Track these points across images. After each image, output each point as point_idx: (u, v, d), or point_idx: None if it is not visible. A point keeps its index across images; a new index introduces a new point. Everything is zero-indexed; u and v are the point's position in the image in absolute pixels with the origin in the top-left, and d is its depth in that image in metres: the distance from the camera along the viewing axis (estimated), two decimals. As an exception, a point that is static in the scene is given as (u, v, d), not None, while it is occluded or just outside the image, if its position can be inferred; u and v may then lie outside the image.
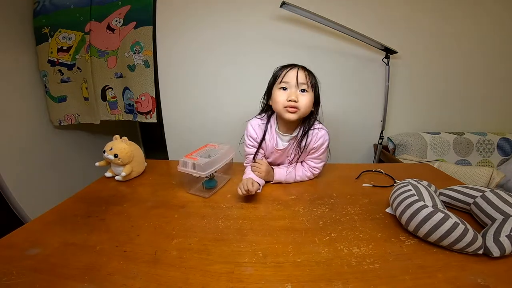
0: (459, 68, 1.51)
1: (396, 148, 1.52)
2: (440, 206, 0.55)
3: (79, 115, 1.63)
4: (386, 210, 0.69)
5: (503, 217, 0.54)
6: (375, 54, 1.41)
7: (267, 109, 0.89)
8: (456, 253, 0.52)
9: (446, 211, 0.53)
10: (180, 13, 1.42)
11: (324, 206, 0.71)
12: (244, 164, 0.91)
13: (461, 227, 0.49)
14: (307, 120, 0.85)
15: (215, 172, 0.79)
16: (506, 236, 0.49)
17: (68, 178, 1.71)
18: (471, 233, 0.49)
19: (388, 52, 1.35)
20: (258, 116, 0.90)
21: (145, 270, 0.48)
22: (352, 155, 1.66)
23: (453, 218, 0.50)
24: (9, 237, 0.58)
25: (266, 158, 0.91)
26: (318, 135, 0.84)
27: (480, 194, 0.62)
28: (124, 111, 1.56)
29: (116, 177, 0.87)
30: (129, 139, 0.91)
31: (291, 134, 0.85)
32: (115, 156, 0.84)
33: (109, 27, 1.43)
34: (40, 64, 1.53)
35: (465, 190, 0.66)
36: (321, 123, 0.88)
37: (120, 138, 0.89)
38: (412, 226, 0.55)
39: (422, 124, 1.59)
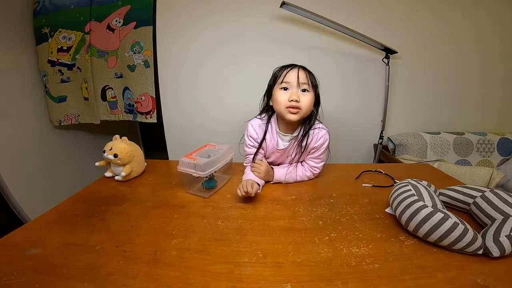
0: (459, 68, 1.51)
1: (396, 148, 1.52)
2: (439, 206, 0.55)
3: (79, 115, 1.63)
4: (386, 210, 0.69)
5: (503, 217, 0.54)
6: (375, 54, 1.41)
7: (267, 110, 0.89)
8: (455, 253, 0.52)
9: (445, 211, 0.53)
10: (180, 13, 1.42)
11: (324, 206, 0.71)
12: (244, 164, 0.91)
13: (460, 227, 0.49)
14: (308, 120, 0.85)
15: (215, 172, 0.79)
16: (506, 236, 0.49)
17: (68, 178, 1.71)
18: (470, 233, 0.49)
19: (388, 52, 1.35)
20: (259, 116, 0.90)
21: (145, 270, 0.48)
22: (352, 155, 1.66)
23: (453, 218, 0.50)
24: (9, 237, 0.58)
25: (267, 158, 0.91)
26: (319, 134, 0.84)
27: (480, 194, 0.62)
28: (124, 111, 1.56)
29: (116, 177, 0.87)
30: (129, 139, 0.91)
31: (292, 134, 0.85)
32: (115, 156, 0.84)
33: (109, 27, 1.43)
34: (40, 64, 1.53)
35: (465, 190, 0.66)
36: (321, 122, 0.88)
37: (120, 138, 0.89)
38: (411, 226, 0.55)
39: (422, 124, 1.59)
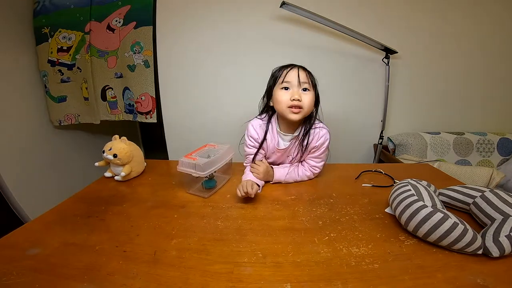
0: (459, 68, 1.51)
1: (396, 148, 1.52)
2: (439, 206, 0.55)
3: (79, 115, 1.63)
4: (386, 210, 0.69)
5: (503, 217, 0.54)
6: (375, 54, 1.41)
7: (267, 110, 0.89)
8: (455, 253, 0.52)
9: (445, 211, 0.53)
10: (180, 13, 1.42)
11: (324, 206, 0.71)
12: (244, 164, 0.91)
13: (460, 227, 0.49)
14: (308, 120, 0.85)
15: (215, 172, 0.79)
16: (505, 236, 0.49)
17: (68, 178, 1.71)
18: (470, 233, 0.49)
19: (388, 52, 1.35)
20: (259, 117, 0.90)
21: (145, 270, 0.48)
22: (352, 155, 1.66)
23: (453, 218, 0.50)
24: (9, 237, 0.58)
25: (267, 158, 0.91)
26: (320, 134, 0.84)
27: (480, 194, 0.62)
28: (124, 111, 1.56)
29: (116, 177, 0.87)
30: (129, 139, 0.91)
31: (293, 133, 0.85)
32: (114, 156, 0.84)
33: (109, 27, 1.43)
34: (40, 64, 1.53)
35: (465, 190, 0.66)
36: (321, 122, 0.88)
37: (119, 138, 0.89)
38: (411, 226, 0.55)
39: (422, 124, 1.59)
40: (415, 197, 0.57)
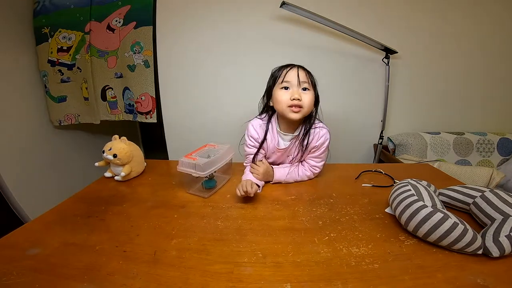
0: (459, 68, 1.51)
1: (396, 148, 1.52)
2: (439, 206, 0.55)
3: (79, 115, 1.63)
4: (386, 210, 0.69)
5: (503, 217, 0.54)
6: (375, 54, 1.41)
7: (267, 110, 0.89)
8: (455, 253, 0.52)
9: (445, 211, 0.53)
10: (180, 13, 1.42)
11: (324, 206, 0.71)
12: (244, 164, 0.91)
13: (460, 227, 0.49)
14: (308, 119, 0.85)
15: (215, 172, 0.79)
16: (505, 236, 0.49)
17: (68, 178, 1.71)
18: (470, 233, 0.49)
19: (388, 52, 1.35)
20: (259, 117, 0.90)
21: (145, 270, 0.48)
22: (352, 155, 1.66)
23: (453, 218, 0.50)
24: (9, 237, 0.58)
25: (267, 158, 0.91)
26: (320, 133, 0.84)
27: (480, 194, 0.62)
28: (124, 111, 1.56)
29: (116, 177, 0.87)
30: (129, 139, 0.91)
31: (293, 133, 0.86)
32: (114, 156, 0.84)
33: (109, 27, 1.43)
34: (40, 64, 1.53)
35: (465, 190, 0.66)
36: (321, 121, 0.88)
37: (119, 138, 0.89)
38: (411, 226, 0.55)
39: (422, 124, 1.59)
40: (415, 197, 0.57)
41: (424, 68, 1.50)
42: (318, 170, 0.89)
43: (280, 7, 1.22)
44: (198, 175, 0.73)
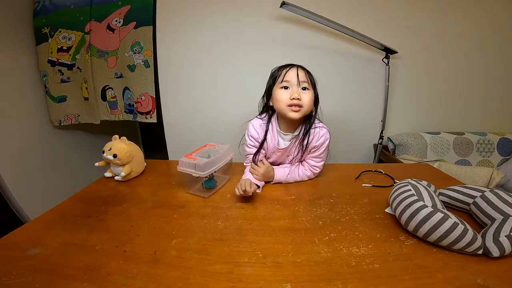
0: (459, 68, 1.51)
1: (396, 148, 1.52)
2: (439, 206, 0.55)
3: (79, 115, 1.63)
4: (386, 210, 0.69)
5: (503, 217, 0.54)
6: (375, 54, 1.41)
7: (267, 110, 0.89)
8: (455, 253, 0.52)
9: (445, 211, 0.53)
10: (180, 13, 1.42)
11: (324, 206, 0.71)
12: (244, 164, 0.91)
13: (460, 227, 0.49)
14: (308, 119, 0.85)
15: (215, 172, 0.79)
16: (505, 236, 0.49)
17: (68, 178, 1.71)
18: (470, 233, 0.49)
19: (388, 52, 1.35)
20: (259, 116, 0.90)
21: (145, 270, 0.48)
22: (352, 155, 1.66)
23: (453, 218, 0.50)
24: (9, 237, 0.58)
25: (267, 158, 0.91)
26: (320, 133, 0.85)
27: (480, 194, 0.61)
28: (124, 111, 1.56)
29: (116, 177, 0.87)
30: (129, 139, 0.91)
31: (293, 133, 0.86)
32: (114, 156, 0.84)
33: (109, 27, 1.43)
34: (40, 64, 1.53)
35: (465, 190, 0.66)
36: (321, 121, 0.88)
37: (119, 138, 0.89)
38: (411, 226, 0.55)
39: (422, 124, 1.59)
40: (415, 197, 0.57)
41: (424, 68, 1.50)
42: (318, 170, 0.89)
43: (280, 7, 1.22)
44: (198, 175, 0.73)
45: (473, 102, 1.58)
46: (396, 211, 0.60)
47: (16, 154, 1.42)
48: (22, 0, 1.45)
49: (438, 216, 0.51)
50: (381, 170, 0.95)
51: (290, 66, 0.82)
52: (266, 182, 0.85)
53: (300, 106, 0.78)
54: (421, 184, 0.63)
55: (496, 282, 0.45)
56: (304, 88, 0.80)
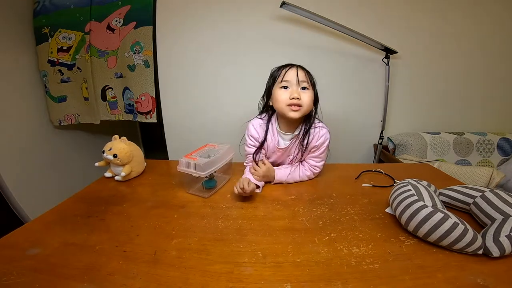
0: (459, 68, 1.51)
1: (396, 148, 1.52)
2: (439, 206, 0.55)
3: (79, 115, 1.63)
4: (386, 210, 0.69)
5: (503, 217, 0.54)
6: (375, 54, 1.41)
7: (267, 110, 0.89)
8: (455, 253, 0.51)
9: (445, 211, 0.53)
10: (180, 13, 1.42)
11: (324, 206, 0.71)
12: (245, 164, 0.91)
13: (460, 227, 0.49)
14: (308, 119, 0.85)
15: (215, 172, 0.79)
16: (505, 236, 0.49)
17: (68, 178, 1.71)
18: (470, 233, 0.49)
19: (388, 52, 1.35)
20: (259, 116, 0.90)
21: (145, 270, 0.48)
22: (352, 155, 1.66)
23: (453, 218, 0.50)
24: (9, 237, 0.58)
25: (267, 158, 0.91)
26: (320, 133, 0.85)
27: (480, 194, 0.61)
28: (124, 111, 1.56)
29: (116, 177, 0.87)
30: (129, 139, 0.91)
31: (293, 133, 0.86)
32: (114, 156, 0.84)
33: (109, 27, 1.43)
34: (40, 64, 1.53)
35: (465, 190, 0.66)
36: (321, 121, 0.88)
37: (119, 138, 0.89)
38: (411, 226, 0.55)
39: (422, 124, 1.59)
40: (415, 197, 0.57)
41: (424, 68, 1.50)
42: (318, 170, 0.89)
43: (280, 7, 1.22)
44: (198, 175, 0.73)
45: (473, 102, 1.58)
46: (396, 211, 0.60)
47: (16, 154, 1.42)
48: (22, 0, 1.45)
49: (438, 216, 0.51)
50: (381, 170, 0.95)
51: (290, 66, 0.82)
52: (266, 182, 0.85)
53: (299, 105, 0.78)
54: (421, 184, 0.63)
55: (496, 282, 0.45)
56: (303, 88, 0.80)
